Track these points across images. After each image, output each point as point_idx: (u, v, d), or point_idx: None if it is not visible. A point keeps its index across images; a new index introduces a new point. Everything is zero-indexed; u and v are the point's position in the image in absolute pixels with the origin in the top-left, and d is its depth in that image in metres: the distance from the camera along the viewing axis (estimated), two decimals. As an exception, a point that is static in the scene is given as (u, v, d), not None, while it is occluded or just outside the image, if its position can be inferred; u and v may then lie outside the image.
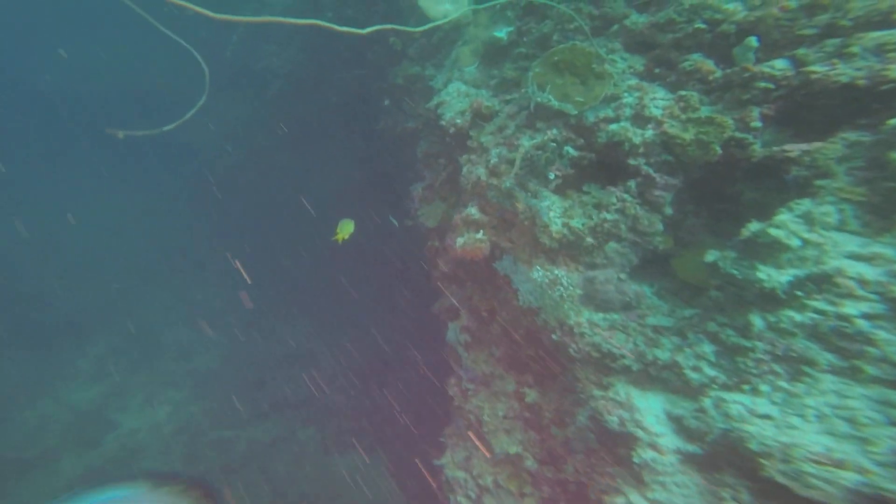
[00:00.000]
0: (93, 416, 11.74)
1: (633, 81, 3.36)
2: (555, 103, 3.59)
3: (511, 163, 3.86)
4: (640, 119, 3.15)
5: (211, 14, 2.48)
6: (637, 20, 3.61)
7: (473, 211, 4.09)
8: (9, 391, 12.31)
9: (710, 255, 2.71)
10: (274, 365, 10.88)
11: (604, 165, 3.37)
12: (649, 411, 2.81)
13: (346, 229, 5.03)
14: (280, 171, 11.36)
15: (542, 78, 3.84)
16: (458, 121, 4.66)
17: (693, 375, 2.72)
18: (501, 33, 4.99)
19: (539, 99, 3.67)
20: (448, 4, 5.75)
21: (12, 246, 15.53)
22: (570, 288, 3.15)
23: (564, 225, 3.31)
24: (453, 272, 4.91)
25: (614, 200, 3.11)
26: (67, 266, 14.85)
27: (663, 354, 2.87)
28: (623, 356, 2.96)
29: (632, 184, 3.08)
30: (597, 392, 3.04)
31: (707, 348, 2.72)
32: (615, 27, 3.79)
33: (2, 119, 16.47)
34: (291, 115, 11.12)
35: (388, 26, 3.20)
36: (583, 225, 3.22)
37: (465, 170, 4.39)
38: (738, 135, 2.74)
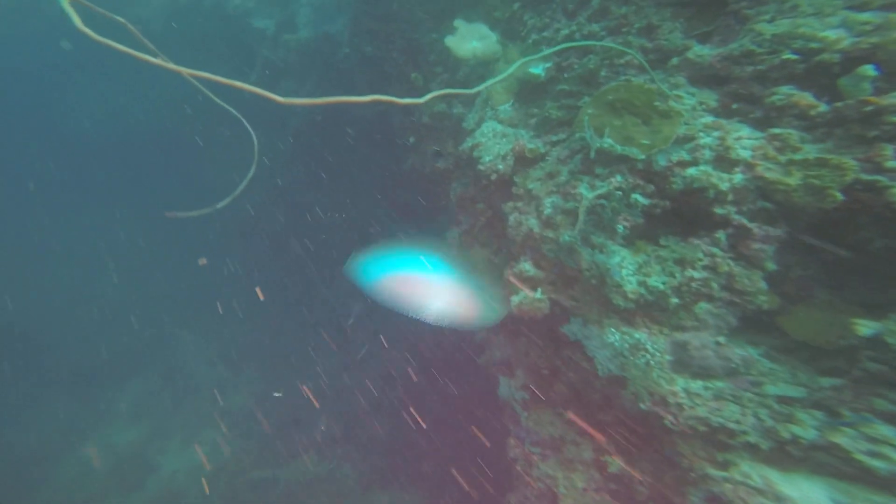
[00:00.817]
0: (134, 458, 11.37)
1: (709, 119, 2.88)
2: (618, 148, 3.13)
3: (569, 214, 3.39)
4: (724, 162, 2.67)
5: (279, 99, 2.08)
6: (702, 52, 3.15)
7: (527, 266, 3.61)
8: (52, 435, 12.00)
9: (865, 328, 2.20)
10: (308, 402, 10.40)
11: (681, 215, 2.88)
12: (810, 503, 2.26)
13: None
14: (302, 211, 11.00)
15: (597, 120, 3.38)
16: (500, 166, 4.21)
17: (876, 464, 2.19)
18: (538, 69, 4.55)
19: (599, 145, 3.20)
20: (476, 41, 5.35)
21: (49, 291, 15.37)
22: (658, 354, 2.65)
23: (641, 284, 2.83)
24: (501, 324, 4.42)
25: (701, 255, 2.62)
26: (102, 310, 14.60)
27: (806, 432, 2.35)
28: (744, 432, 2.44)
29: (721, 236, 2.59)
30: (713, 471, 2.53)
31: (885, 430, 2.20)
32: (674, 60, 3.33)
33: (41, 163, 16.45)
34: (311, 154, 10.81)
35: (445, 91, 2.81)
36: (664, 284, 2.73)
37: (512, 219, 3.92)
38: (865, 177, 2.24)
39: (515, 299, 3.58)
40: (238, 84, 2.34)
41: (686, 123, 2.93)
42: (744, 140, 2.62)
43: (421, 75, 6.80)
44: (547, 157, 3.90)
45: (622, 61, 3.61)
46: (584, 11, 4.29)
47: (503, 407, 4.22)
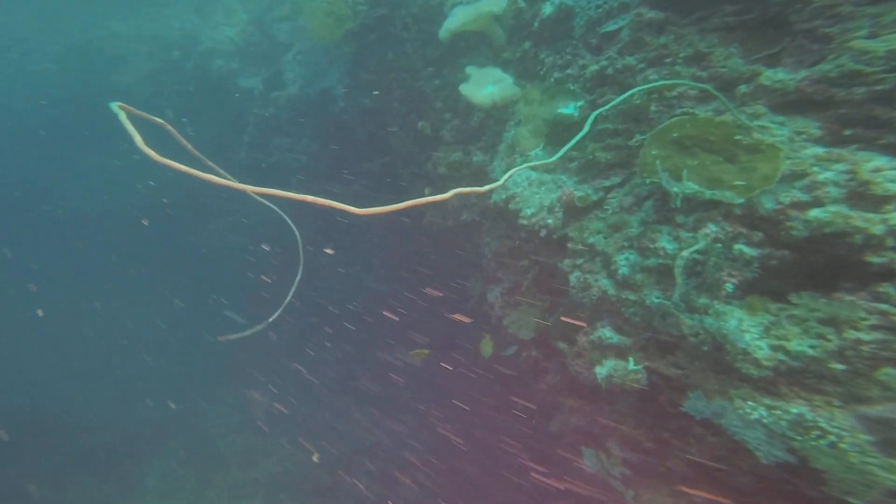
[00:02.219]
0: (169, 538, 10.40)
1: (819, 150, 2.39)
2: (706, 193, 2.62)
3: (651, 272, 2.85)
4: (864, 200, 2.16)
5: (357, 210, 1.96)
6: (779, 77, 2.68)
7: (608, 333, 3.06)
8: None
9: None
10: (344, 463, 9.59)
11: (809, 265, 2.36)
12: None
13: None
14: (312, 276, 10.37)
15: (666, 161, 2.88)
16: (549, 220, 3.68)
17: None
18: (569, 109, 4.08)
19: (681, 190, 2.69)
20: (491, 86, 4.89)
21: (61, 374, 14.42)
22: (845, 433, 2.07)
23: (776, 349, 2.28)
24: (569, 386, 3.84)
25: (863, 314, 2.08)
26: (117, 388, 13.68)
27: None
28: None
29: (889, 289, 2.05)
30: None
31: None
32: (742, 88, 2.86)
33: (36, 244, 15.62)
34: (314, 210, 10.29)
35: (468, 189, 2.36)
36: (813, 349, 2.18)
37: (575, 279, 3.38)
38: None
39: (602, 371, 3.01)
40: (312, 199, 1.95)
41: (788, 157, 2.44)
42: (886, 172, 2.12)
43: (429, 123, 6.34)
44: (605, 206, 3.38)
45: (673, 94, 3.14)
46: (612, 45, 3.84)
47: (591, 481, 3.60)
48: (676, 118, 2.92)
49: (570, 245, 3.52)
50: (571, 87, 4.12)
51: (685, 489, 2.82)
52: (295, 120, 10.26)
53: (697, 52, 3.17)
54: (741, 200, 2.52)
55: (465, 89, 4.93)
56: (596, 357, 3.07)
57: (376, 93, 7.26)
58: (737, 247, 2.54)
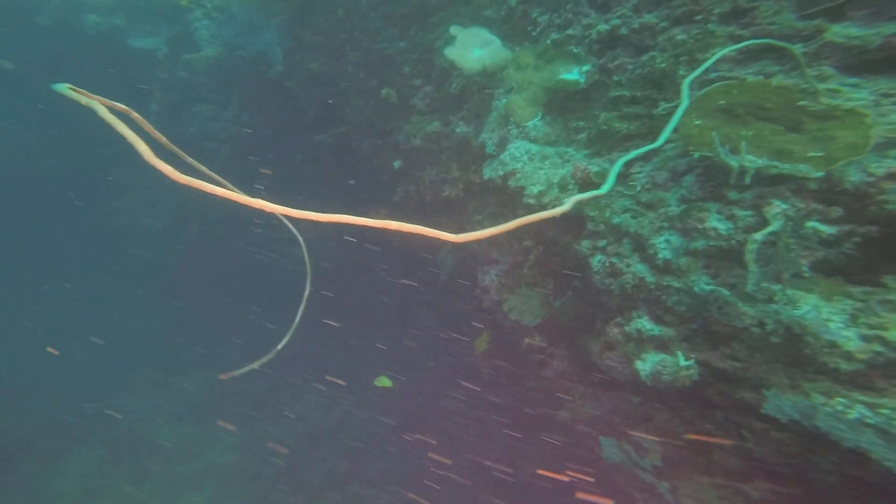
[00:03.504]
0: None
1: (910, 118, 2.04)
2: (780, 166, 2.20)
3: (698, 255, 2.43)
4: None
5: (454, 238, 1.63)
6: (851, 33, 2.30)
7: (646, 324, 2.62)
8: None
9: None
10: (303, 446, 8.72)
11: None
12: None
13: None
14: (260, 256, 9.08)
15: (712, 132, 2.42)
16: (565, 200, 3.13)
17: None
18: (573, 75, 3.50)
19: (748, 165, 2.25)
20: (478, 49, 4.16)
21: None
22: None
23: (871, 339, 1.96)
24: (578, 374, 3.43)
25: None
26: (6, 386, 11.33)
27: None
28: None
29: None
30: None
31: None
32: (800, 47, 2.45)
33: None
34: (254, 189, 8.93)
35: (484, 232, 1.76)
36: (911, 340, 1.87)
37: (597, 263, 2.90)
38: None
39: (644, 366, 2.59)
40: (397, 225, 1.59)
41: (877, 123, 2.08)
42: None
43: (394, 90, 5.47)
44: (630, 182, 2.90)
45: (706, 55, 2.68)
46: (624, 1, 3.29)
47: (611, 472, 3.26)
48: (721, 84, 2.47)
49: (589, 225, 3.02)
50: (574, 50, 3.53)
51: (735, 483, 2.52)
52: (216, 86, 8.69)
53: (737, 7, 2.71)
54: (820, 174, 2.14)
55: (452, 53, 4.17)
56: (632, 350, 2.65)
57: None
58: (809, 225, 2.17)
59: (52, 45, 9.35)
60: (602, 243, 2.92)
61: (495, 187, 3.94)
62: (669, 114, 2.71)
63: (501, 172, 3.75)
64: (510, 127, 3.88)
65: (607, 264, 2.83)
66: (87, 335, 11.05)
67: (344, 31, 5.92)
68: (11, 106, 9.94)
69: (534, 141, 3.71)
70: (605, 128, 3.13)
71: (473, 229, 4.36)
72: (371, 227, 1.66)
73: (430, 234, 1.65)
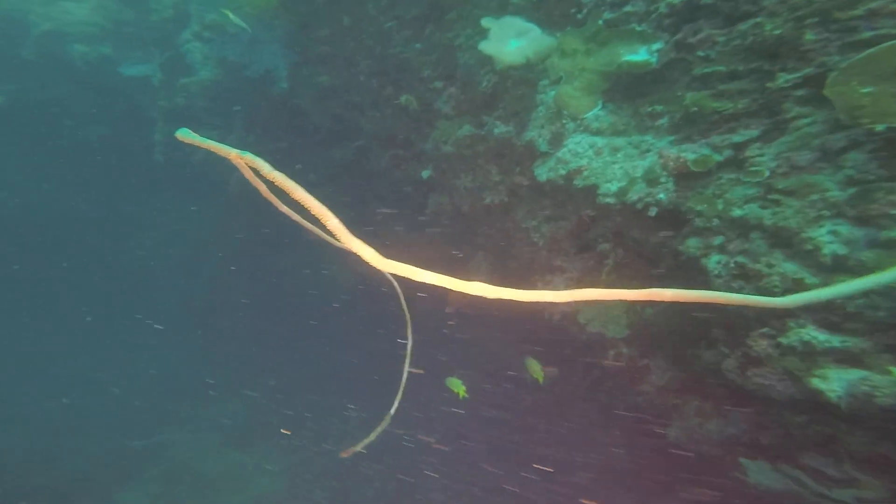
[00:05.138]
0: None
1: None
2: None
3: (889, 247, 1.88)
4: None
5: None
6: None
7: (817, 334, 2.06)
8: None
9: None
10: (349, 473, 8.04)
11: None
12: None
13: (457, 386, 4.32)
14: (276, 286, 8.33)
15: (883, 103, 1.86)
16: (662, 196, 2.56)
17: None
18: (641, 55, 2.90)
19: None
20: (515, 40, 3.54)
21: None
22: None
23: None
24: (687, 386, 2.88)
25: None
26: (65, 423, 10.52)
27: None
28: None
29: None
30: None
31: None
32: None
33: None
34: (267, 214, 8.19)
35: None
36: None
37: (715, 264, 2.34)
38: None
39: (830, 386, 2.02)
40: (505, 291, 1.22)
41: None
42: None
43: (414, 96, 4.83)
44: (749, 167, 2.33)
45: (855, 12, 2.10)
46: (696, -34, 2.69)
47: (772, 498, 2.69)
48: (891, 43, 1.90)
49: (697, 221, 2.45)
50: (638, 28, 2.94)
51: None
52: (217, 109, 7.92)
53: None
54: None
55: (488, 47, 3.53)
56: (796, 365, 2.10)
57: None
58: None
59: (39, 78, 8.47)
60: (718, 241, 2.35)
61: (553, 188, 3.35)
62: (791, 86, 2.14)
63: (563, 172, 3.16)
64: (564, 121, 3.28)
65: (732, 265, 2.27)
66: (120, 370, 10.29)
67: (352, 39, 5.24)
68: (8, 142, 9.07)
69: (597, 133, 3.11)
70: (694, 109, 2.55)
71: (525, 236, 3.78)
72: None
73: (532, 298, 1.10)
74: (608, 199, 2.85)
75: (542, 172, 3.37)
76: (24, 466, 9.10)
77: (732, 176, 2.33)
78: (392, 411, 2.08)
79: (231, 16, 5.16)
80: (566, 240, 3.40)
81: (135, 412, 9.78)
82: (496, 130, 3.91)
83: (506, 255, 4.09)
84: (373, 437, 2.05)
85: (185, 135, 1.39)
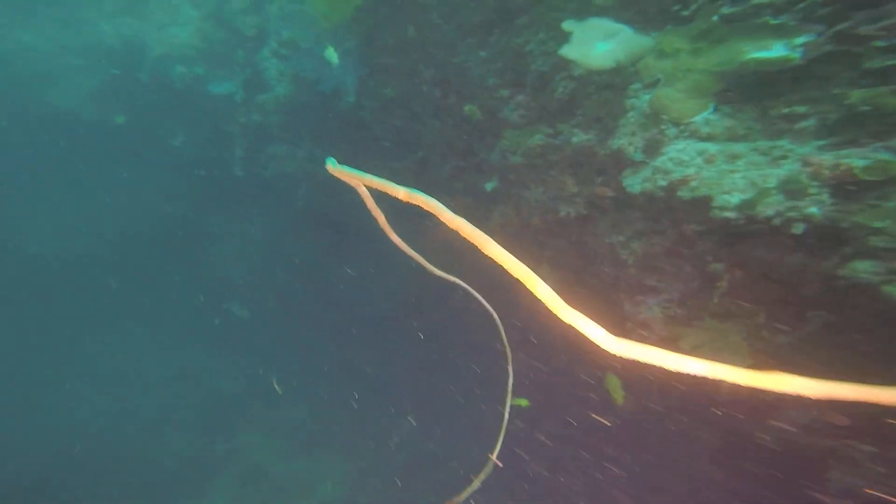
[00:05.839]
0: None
1: None
2: None
3: None
4: None
5: None
6: None
7: None
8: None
9: None
10: (410, 473, 7.54)
11: None
12: None
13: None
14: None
15: None
16: (813, 209, 2.02)
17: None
18: (776, 51, 2.37)
19: None
20: (602, 43, 3.08)
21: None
22: None
23: None
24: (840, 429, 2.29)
25: None
26: (148, 422, 10.50)
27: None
28: None
29: None
30: None
31: None
32: None
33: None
34: (334, 225, 7.89)
35: None
36: None
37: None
38: None
39: None
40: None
41: None
42: None
43: (476, 106, 4.43)
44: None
45: None
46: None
47: None
48: None
49: (872, 241, 1.89)
50: (773, 21, 2.41)
51: None
52: (288, 124, 7.82)
53: None
54: None
55: (571, 52, 3.09)
56: None
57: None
58: None
59: (148, 98, 8.76)
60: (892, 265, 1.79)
61: (647, 200, 2.83)
62: None
63: (663, 183, 2.65)
64: (664, 126, 2.78)
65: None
66: (205, 374, 10.33)
67: (416, 50, 4.92)
68: (125, 157, 9.42)
69: (708, 139, 2.59)
70: (865, 108, 1.99)
71: (608, 252, 3.26)
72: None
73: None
74: (727, 214, 2.32)
75: (635, 183, 2.87)
76: (120, 460, 9.15)
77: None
78: (494, 455, 1.64)
79: (332, 51, 4.98)
80: (662, 258, 2.87)
81: (215, 414, 9.75)
82: (574, 139, 3.44)
83: (583, 271, 3.57)
84: (476, 484, 1.62)
85: (335, 167, 1.30)
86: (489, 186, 4.41)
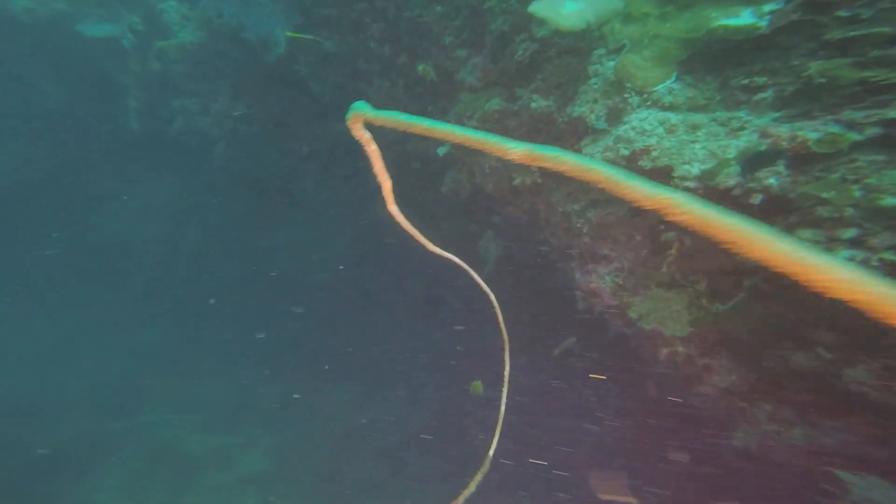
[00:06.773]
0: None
1: None
2: None
3: None
4: None
5: None
6: None
7: None
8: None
9: None
10: (341, 447, 7.09)
11: None
12: None
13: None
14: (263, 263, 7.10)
15: None
16: (773, 180, 1.92)
17: None
18: (745, 19, 2.20)
19: None
20: (572, 3, 2.73)
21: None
22: None
23: None
24: (759, 387, 2.33)
25: None
26: (39, 399, 8.71)
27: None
28: None
29: None
30: None
31: None
32: None
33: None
34: (255, 188, 6.88)
35: None
36: None
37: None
38: None
39: None
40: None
41: None
42: None
43: (431, 66, 3.91)
44: None
45: None
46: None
47: None
48: None
49: (820, 210, 1.84)
50: (738, -16, 2.24)
51: None
52: (199, 76, 6.49)
53: None
54: None
55: (540, 9, 2.71)
56: None
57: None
58: None
59: None
60: (850, 233, 1.76)
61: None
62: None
63: (625, 152, 2.46)
64: (626, 94, 2.56)
65: (875, 262, 1.68)
66: (95, 348, 8.59)
67: (363, 0, 4.18)
68: None
69: (670, 108, 2.42)
70: (821, 81, 1.91)
71: (562, 221, 3.06)
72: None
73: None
74: (687, 184, 2.18)
75: (595, 152, 2.65)
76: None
77: (878, 158, 1.71)
78: (490, 453, 1.32)
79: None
80: (616, 227, 2.72)
81: (112, 392, 8.25)
82: (533, 105, 3.12)
83: (533, 238, 3.35)
84: (472, 487, 1.31)
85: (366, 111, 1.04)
86: (441, 151, 3.97)
